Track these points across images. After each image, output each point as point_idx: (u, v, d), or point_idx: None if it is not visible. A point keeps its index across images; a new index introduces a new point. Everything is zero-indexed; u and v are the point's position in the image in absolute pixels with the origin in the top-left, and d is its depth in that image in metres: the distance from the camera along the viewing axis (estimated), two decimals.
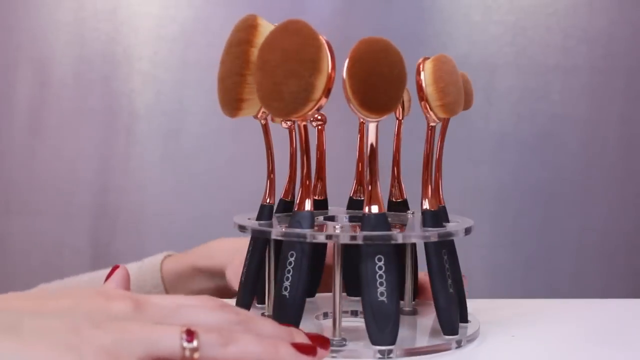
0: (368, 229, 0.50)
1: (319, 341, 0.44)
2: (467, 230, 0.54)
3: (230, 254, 0.76)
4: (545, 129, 1.46)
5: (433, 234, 0.52)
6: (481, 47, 1.44)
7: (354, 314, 0.60)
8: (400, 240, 0.50)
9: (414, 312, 0.60)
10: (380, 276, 0.49)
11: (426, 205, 0.54)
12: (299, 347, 0.42)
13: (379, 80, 0.47)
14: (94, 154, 1.44)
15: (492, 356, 0.53)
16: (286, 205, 0.59)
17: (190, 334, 0.38)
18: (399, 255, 0.56)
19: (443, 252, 0.53)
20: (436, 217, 0.54)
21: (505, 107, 1.45)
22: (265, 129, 0.56)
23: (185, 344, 0.37)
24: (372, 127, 0.50)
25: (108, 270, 0.50)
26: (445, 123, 0.56)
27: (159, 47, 1.43)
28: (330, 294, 0.57)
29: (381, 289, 0.49)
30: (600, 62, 1.45)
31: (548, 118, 1.46)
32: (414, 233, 0.53)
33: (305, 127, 0.52)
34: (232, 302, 0.56)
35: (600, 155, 1.47)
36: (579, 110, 1.46)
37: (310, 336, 0.44)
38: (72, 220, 1.43)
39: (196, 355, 0.38)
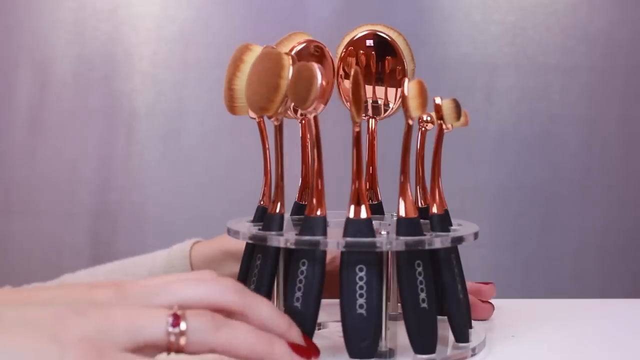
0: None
1: (311, 347, 0.42)
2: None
3: None
4: (545, 129, 1.46)
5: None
6: (481, 47, 1.44)
7: None
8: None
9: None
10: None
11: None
12: (296, 348, 0.40)
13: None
14: (94, 154, 1.44)
15: (492, 356, 0.53)
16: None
17: (177, 318, 0.36)
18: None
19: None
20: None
21: (505, 107, 1.45)
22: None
23: (171, 329, 0.36)
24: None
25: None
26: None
27: (159, 47, 1.43)
28: (326, 302, 0.57)
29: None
30: (600, 62, 1.45)
31: (548, 118, 1.46)
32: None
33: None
34: None
35: (600, 155, 1.46)
36: (578, 110, 1.46)
37: (303, 337, 0.43)
38: (72, 220, 1.43)
39: (182, 340, 0.36)
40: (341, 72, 0.58)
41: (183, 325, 0.36)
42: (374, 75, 0.57)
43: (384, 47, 0.56)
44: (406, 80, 0.49)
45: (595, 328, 0.62)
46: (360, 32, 0.57)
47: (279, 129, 0.53)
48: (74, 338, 0.34)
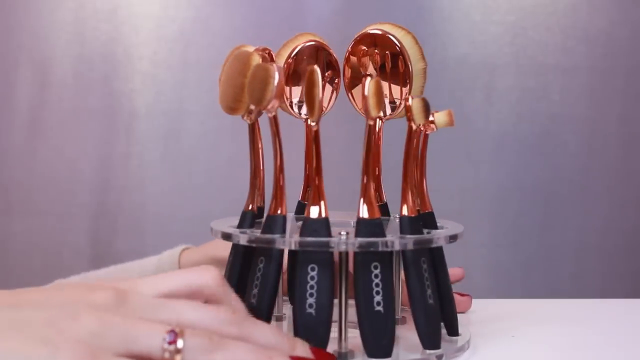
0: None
1: (323, 357, 0.41)
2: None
3: None
4: (544, 129, 1.46)
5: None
6: (481, 47, 1.44)
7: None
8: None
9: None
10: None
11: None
12: None
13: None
14: (94, 154, 1.44)
15: (493, 356, 0.53)
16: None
17: (174, 335, 0.35)
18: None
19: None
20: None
21: (505, 107, 1.45)
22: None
23: (167, 345, 0.35)
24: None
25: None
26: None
27: (159, 47, 1.43)
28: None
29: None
30: (600, 61, 1.45)
31: (547, 118, 1.46)
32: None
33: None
34: None
35: (600, 155, 1.47)
36: (578, 110, 1.46)
37: (314, 350, 0.42)
38: (73, 220, 1.43)
39: (178, 358, 0.35)
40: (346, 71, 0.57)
41: (180, 343, 0.35)
42: (388, 75, 0.56)
43: (390, 47, 0.54)
44: (368, 79, 0.48)
45: (595, 328, 0.62)
46: (366, 31, 0.56)
47: (251, 128, 0.54)
48: (67, 340, 0.33)
